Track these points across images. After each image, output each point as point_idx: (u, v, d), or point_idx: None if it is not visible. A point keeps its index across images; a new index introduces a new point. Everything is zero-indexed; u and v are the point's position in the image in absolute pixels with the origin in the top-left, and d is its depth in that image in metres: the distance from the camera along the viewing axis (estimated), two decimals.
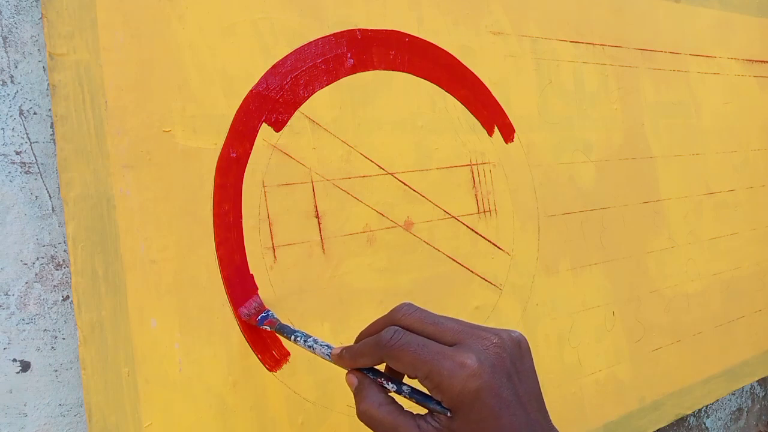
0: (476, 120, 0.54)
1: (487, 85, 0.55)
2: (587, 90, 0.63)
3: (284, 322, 0.40)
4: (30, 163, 0.36)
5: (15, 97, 0.36)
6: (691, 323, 0.70)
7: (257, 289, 0.41)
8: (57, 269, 0.37)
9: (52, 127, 0.37)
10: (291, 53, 0.44)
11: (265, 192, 0.42)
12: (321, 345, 0.36)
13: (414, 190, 0.49)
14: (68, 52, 0.36)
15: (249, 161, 0.42)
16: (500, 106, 0.55)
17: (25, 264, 0.36)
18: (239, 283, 0.40)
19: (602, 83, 0.65)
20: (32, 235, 0.36)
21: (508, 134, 0.56)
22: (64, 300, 0.37)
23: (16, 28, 0.37)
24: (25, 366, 0.35)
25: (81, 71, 0.36)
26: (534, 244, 0.56)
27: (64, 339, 0.37)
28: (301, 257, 0.43)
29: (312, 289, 0.43)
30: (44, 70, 0.37)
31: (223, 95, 0.41)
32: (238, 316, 0.40)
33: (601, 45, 0.65)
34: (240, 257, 0.41)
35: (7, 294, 0.35)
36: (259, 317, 0.40)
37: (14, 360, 0.35)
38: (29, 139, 0.37)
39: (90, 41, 0.37)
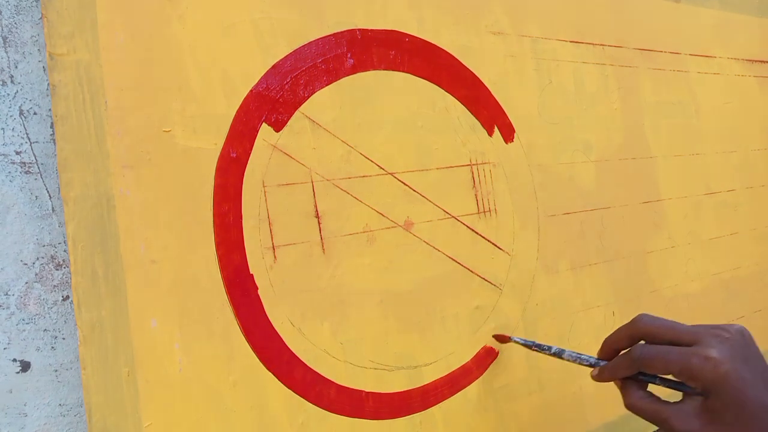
0: (476, 120, 0.54)
1: (487, 85, 0.55)
2: (587, 90, 0.63)
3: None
4: (30, 163, 0.36)
5: (15, 97, 0.36)
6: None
7: (257, 289, 0.41)
8: (57, 269, 0.37)
9: (52, 127, 0.37)
10: (291, 53, 0.44)
11: (265, 192, 0.42)
12: (584, 358, 0.45)
13: (414, 190, 0.49)
14: (68, 52, 0.36)
15: (249, 161, 0.42)
16: (500, 106, 0.55)
17: (25, 264, 0.36)
18: (239, 283, 0.40)
19: (602, 83, 0.65)
20: (32, 235, 0.36)
21: (508, 134, 0.56)
22: (64, 300, 0.37)
23: (16, 28, 0.37)
24: (25, 366, 0.35)
25: (81, 71, 0.36)
26: (534, 244, 0.56)
27: (64, 339, 0.37)
28: (301, 257, 0.43)
29: (312, 289, 0.43)
30: (44, 70, 0.37)
31: (223, 95, 0.41)
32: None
33: (601, 45, 0.65)
34: (240, 257, 0.41)
35: (7, 294, 0.35)
36: (512, 338, 0.51)
37: (14, 360, 0.35)
38: (29, 139, 0.37)
39: (90, 41, 0.37)
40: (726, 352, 0.36)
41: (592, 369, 0.44)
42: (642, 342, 0.40)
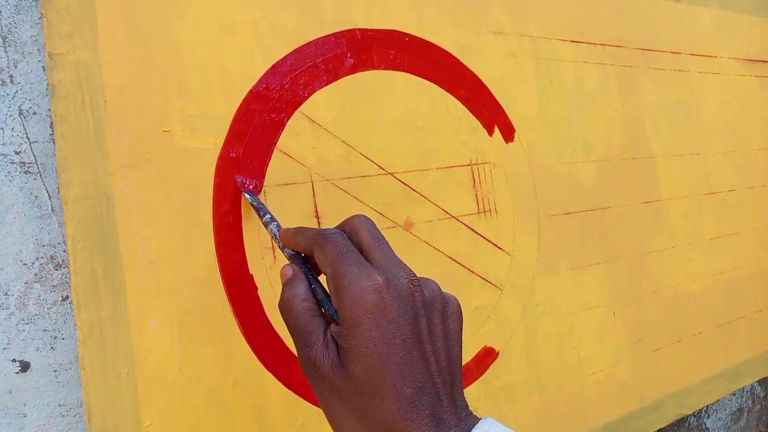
0: (476, 120, 0.54)
1: (487, 85, 0.55)
2: (588, 90, 0.63)
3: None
4: (29, 162, 0.36)
5: (14, 96, 0.36)
6: (692, 323, 0.70)
7: (257, 289, 0.41)
8: (56, 269, 0.37)
9: (51, 126, 0.37)
10: (291, 53, 0.44)
11: (265, 192, 0.42)
12: (277, 225, 0.37)
13: (414, 190, 0.49)
14: (68, 52, 0.36)
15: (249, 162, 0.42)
16: (500, 106, 0.55)
17: (25, 264, 0.36)
18: (239, 283, 0.40)
19: (603, 83, 0.65)
20: (32, 235, 0.36)
21: (508, 134, 0.56)
22: (63, 300, 0.37)
23: (16, 27, 0.37)
24: (25, 366, 0.35)
25: (80, 71, 0.36)
26: (534, 244, 0.56)
27: (63, 339, 0.37)
28: None
29: None
30: (44, 70, 0.37)
31: (222, 95, 0.41)
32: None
33: (602, 45, 0.65)
34: (240, 257, 0.41)
35: (6, 294, 0.35)
36: (247, 192, 0.41)
37: (14, 360, 0.35)
38: (29, 138, 0.36)
39: (89, 41, 0.37)
40: (396, 287, 0.28)
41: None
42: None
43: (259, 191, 0.42)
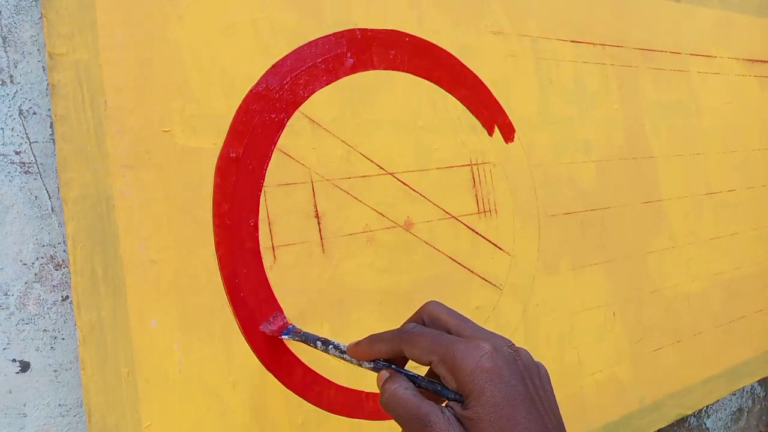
0: (476, 120, 0.54)
1: (487, 85, 0.55)
2: (587, 90, 0.63)
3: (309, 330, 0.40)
4: (29, 163, 0.36)
5: (14, 97, 0.36)
6: (692, 323, 0.70)
7: (257, 289, 0.41)
8: (56, 269, 0.37)
9: (51, 127, 0.37)
10: (291, 53, 0.44)
11: (264, 192, 0.42)
12: (335, 345, 0.37)
13: (414, 190, 0.49)
14: (68, 52, 0.36)
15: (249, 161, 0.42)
16: (500, 106, 0.55)
17: (25, 264, 0.36)
18: (239, 283, 0.40)
19: (603, 83, 0.65)
20: (32, 235, 0.36)
21: (508, 134, 0.56)
22: (63, 300, 0.37)
23: (16, 27, 0.37)
24: (25, 366, 0.35)
25: (80, 71, 0.36)
26: (534, 244, 0.56)
27: (63, 339, 0.37)
28: (301, 257, 0.43)
29: (312, 289, 0.43)
30: (44, 70, 0.37)
31: (222, 95, 0.41)
32: (261, 332, 0.41)
33: (602, 45, 0.65)
34: (240, 257, 0.41)
35: (6, 294, 0.35)
36: (283, 332, 0.41)
37: (14, 360, 0.35)
38: (29, 139, 0.36)
39: (89, 41, 0.37)
40: (502, 352, 0.30)
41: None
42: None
43: (286, 323, 0.42)
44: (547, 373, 0.32)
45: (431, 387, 0.31)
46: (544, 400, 0.30)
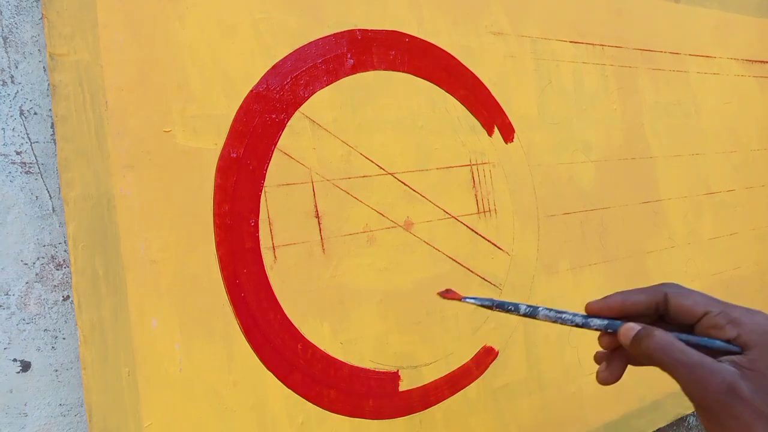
0: (476, 120, 0.54)
1: (487, 85, 0.55)
2: (587, 90, 0.63)
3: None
4: (30, 163, 0.36)
5: (15, 97, 0.36)
6: None
7: (258, 289, 0.41)
8: (57, 269, 0.37)
9: (52, 127, 0.37)
10: (291, 53, 0.44)
11: (265, 192, 0.42)
12: (567, 318, 0.36)
13: (414, 190, 0.49)
14: (69, 53, 0.36)
15: (249, 161, 0.42)
16: (500, 106, 0.55)
17: (26, 264, 0.36)
18: (239, 283, 0.40)
19: (602, 83, 0.65)
20: (33, 235, 0.36)
21: (508, 134, 0.56)
22: (64, 300, 0.37)
23: (17, 28, 0.37)
24: (26, 366, 0.35)
25: (81, 71, 0.36)
26: (534, 244, 0.56)
27: (64, 339, 0.37)
28: (301, 257, 0.43)
29: (312, 289, 0.43)
30: (44, 71, 0.37)
31: (223, 95, 0.41)
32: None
33: (601, 45, 0.65)
34: (240, 257, 0.41)
35: (7, 294, 0.35)
36: (462, 298, 0.39)
37: (15, 360, 0.35)
38: (30, 139, 0.37)
39: (90, 41, 0.37)
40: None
41: (600, 334, 0.36)
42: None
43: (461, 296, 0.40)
44: None
45: (700, 340, 0.32)
46: None
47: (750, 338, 0.31)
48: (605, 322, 0.35)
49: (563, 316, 0.35)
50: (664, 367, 0.32)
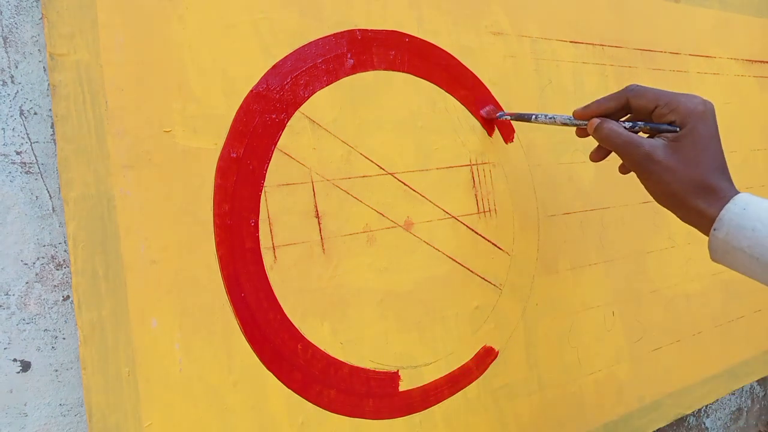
0: (476, 120, 0.54)
1: (487, 85, 0.55)
2: (587, 90, 0.63)
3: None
4: (30, 163, 0.36)
5: (15, 97, 0.36)
6: (691, 323, 0.70)
7: (258, 288, 0.41)
8: (57, 269, 0.37)
9: (52, 127, 0.37)
10: (291, 53, 0.44)
11: (265, 192, 0.42)
12: (560, 116, 0.48)
13: (414, 190, 0.49)
14: (68, 53, 0.36)
15: (249, 161, 0.42)
16: (500, 106, 0.56)
17: (26, 264, 0.36)
18: (239, 283, 0.41)
19: (602, 83, 0.65)
20: (32, 235, 0.36)
21: (507, 134, 0.56)
22: (64, 300, 0.37)
23: (17, 28, 0.37)
24: (26, 366, 0.35)
25: (81, 71, 0.36)
26: (534, 244, 0.56)
27: (64, 339, 0.37)
28: (301, 257, 0.43)
29: (312, 289, 0.43)
30: (44, 70, 0.37)
31: (223, 95, 0.41)
32: (480, 116, 0.53)
33: (601, 45, 0.65)
34: (240, 257, 0.41)
35: (7, 294, 0.35)
36: (498, 113, 0.54)
37: (15, 360, 0.35)
38: (29, 139, 0.37)
39: (90, 41, 0.37)
40: (707, 104, 0.42)
41: (575, 120, 0.47)
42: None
43: (499, 111, 0.54)
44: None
45: (649, 124, 0.43)
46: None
47: (684, 120, 0.41)
48: (586, 121, 0.46)
49: (556, 118, 0.48)
50: (610, 145, 0.43)
